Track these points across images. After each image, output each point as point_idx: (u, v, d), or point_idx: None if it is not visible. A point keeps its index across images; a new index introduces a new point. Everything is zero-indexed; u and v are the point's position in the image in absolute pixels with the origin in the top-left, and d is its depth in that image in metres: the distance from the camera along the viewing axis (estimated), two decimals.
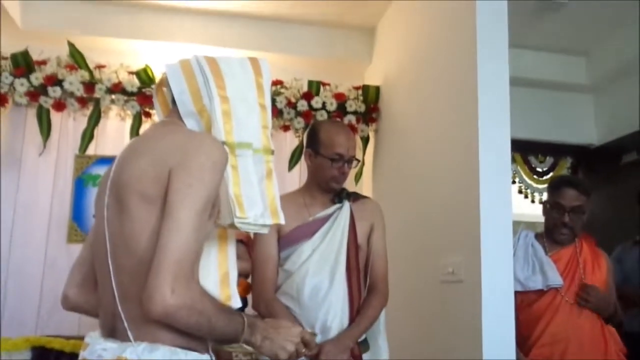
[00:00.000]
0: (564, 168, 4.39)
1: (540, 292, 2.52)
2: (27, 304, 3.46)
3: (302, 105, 3.75)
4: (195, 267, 1.18)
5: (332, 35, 3.98)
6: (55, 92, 3.48)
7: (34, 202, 3.58)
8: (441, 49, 2.89)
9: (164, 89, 1.47)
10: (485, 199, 2.34)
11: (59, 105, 3.52)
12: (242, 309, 1.55)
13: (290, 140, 3.86)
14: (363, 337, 2.12)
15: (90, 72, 3.53)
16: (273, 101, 3.47)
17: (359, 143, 3.75)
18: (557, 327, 2.47)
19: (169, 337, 1.17)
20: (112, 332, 1.23)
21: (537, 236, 2.68)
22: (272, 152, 1.38)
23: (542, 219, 2.72)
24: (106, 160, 3.54)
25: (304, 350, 1.38)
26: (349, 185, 2.62)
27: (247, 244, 2.96)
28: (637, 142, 3.87)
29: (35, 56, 3.51)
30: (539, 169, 4.40)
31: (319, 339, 1.95)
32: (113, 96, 3.56)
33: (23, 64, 3.47)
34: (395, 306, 2.39)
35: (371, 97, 3.83)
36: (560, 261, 2.58)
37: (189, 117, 1.35)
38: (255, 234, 2.26)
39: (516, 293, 2.36)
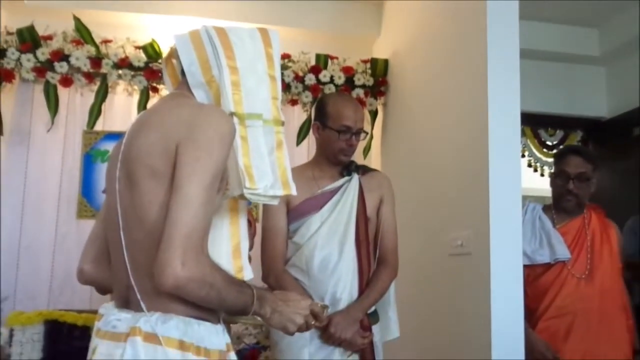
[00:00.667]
0: (574, 141, 4.33)
1: (547, 266, 2.52)
2: (39, 279, 3.49)
3: (310, 79, 3.71)
4: (204, 241, 1.18)
5: (340, 8, 3.91)
6: (62, 67, 3.46)
7: (43, 178, 3.59)
8: (450, 21, 2.85)
9: (174, 60, 1.46)
10: (494, 172, 2.33)
11: (66, 81, 3.50)
12: None
13: (299, 115, 3.84)
14: (373, 308, 2.14)
15: (97, 47, 3.51)
16: (281, 75, 3.44)
17: (367, 117, 3.72)
18: (563, 300, 2.48)
19: (181, 308, 1.18)
20: (126, 303, 1.25)
21: (545, 209, 2.66)
22: (283, 124, 1.37)
23: (550, 193, 2.70)
24: (114, 135, 3.54)
25: (313, 322, 1.38)
26: (358, 159, 2.61)
27: (251, 224, 2.96)
28: None
29: (40, 32, 3.48)
30: (548, 143, 4.36)
31: (329, 311, 1.96)
32: (120, 71, 3.54)
33: (29, 39, 3.45)
34: (404, 278, 2.40)
35: (379, 70, 3.79)
36: (568, 234, 2.57)
37: (198, 88, 1.34)
38: (264, 207, 2.27)
39: (523, 267, 2.35)
